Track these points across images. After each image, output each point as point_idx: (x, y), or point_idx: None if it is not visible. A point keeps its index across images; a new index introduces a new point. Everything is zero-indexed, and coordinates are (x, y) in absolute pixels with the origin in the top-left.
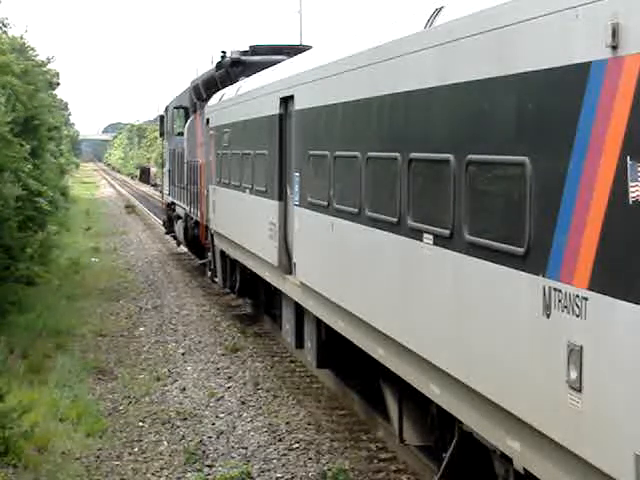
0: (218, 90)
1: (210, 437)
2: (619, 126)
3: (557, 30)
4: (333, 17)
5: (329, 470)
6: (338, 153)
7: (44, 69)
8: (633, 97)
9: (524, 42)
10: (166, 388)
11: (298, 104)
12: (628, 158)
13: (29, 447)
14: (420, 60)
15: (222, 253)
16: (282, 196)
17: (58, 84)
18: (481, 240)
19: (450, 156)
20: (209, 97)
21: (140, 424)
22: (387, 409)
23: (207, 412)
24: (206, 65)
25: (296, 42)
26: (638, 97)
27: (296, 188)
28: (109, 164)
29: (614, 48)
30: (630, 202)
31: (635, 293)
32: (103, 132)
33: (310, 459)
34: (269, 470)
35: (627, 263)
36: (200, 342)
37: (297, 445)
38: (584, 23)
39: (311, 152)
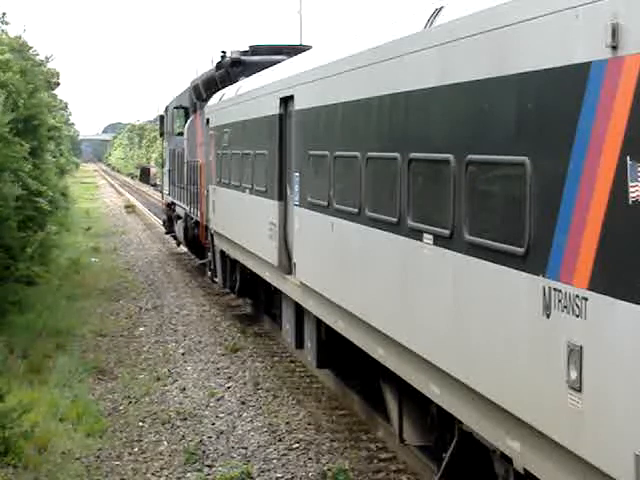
0: (218, 90)
1: (210, 437)
2: (619, 126)
3: (557, 30)
4: (333, 17)
5: (329, 470)
6: (338, 153)
7: (44, 69)
8: (633, 97)
9: (524, 42)
10: (166, 388)
11: (298, 104)
12: (628, 158)
13: (29, 447)
14: (420, 60)
15: (222, 253)
16: (282, 196)
17: (58, 84)
18: (481, 240)
19: (450, 156)
20: (209, 97)
21: (140, 424)
22: (387, 409)
23: (207, 412)
24: (206, 65)
25: (296, 42)
26: (638, 97)
27: (296, 188)
28: (109, 164)
29: (614, 48)
30: (630, 202)
31: (635, 293)
32: (103, 132)
33: (310, 459)
34: (269, 470)
35: (627, 263)
36: (200, 342)
37: (297, 445)
38: (584, 23)
39: (311, 152)
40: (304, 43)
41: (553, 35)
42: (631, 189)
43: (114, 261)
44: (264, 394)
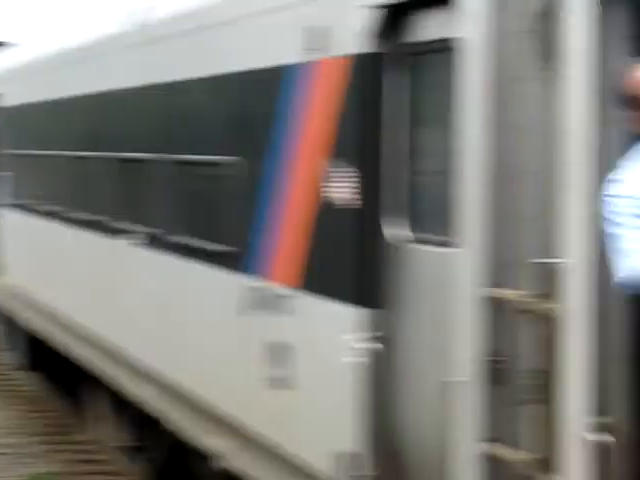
0: None
1: None
2: (314, 128)
3: (255, 30)
4: None
5: None
6: (41, 152)
7: None
8: (326, 100)
9: (226, 42)
10: None
11: (7, 101)
12: (323, 159)
13: None
14: (125, 59)
15: None
16: None
17: None
18: (188, 240)
19: (152, 156)
20: None
21: None
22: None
23: None
24: None
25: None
26: (330, 100)
27: (7, 188)
28: None
29: (309, 51)
30: (324, 202)
31: (335, 292)
32: None
33: None
34: None
35: (326, 264)
36: None
37: None
38: (281, 24)
39: (15, 152)
40: None
41: (252, 35)
42: (325, 189)
43: None
44: None
